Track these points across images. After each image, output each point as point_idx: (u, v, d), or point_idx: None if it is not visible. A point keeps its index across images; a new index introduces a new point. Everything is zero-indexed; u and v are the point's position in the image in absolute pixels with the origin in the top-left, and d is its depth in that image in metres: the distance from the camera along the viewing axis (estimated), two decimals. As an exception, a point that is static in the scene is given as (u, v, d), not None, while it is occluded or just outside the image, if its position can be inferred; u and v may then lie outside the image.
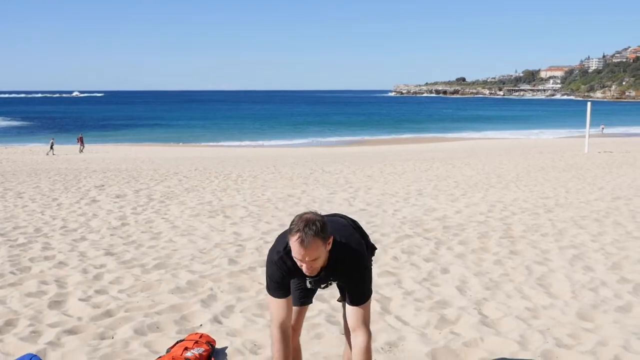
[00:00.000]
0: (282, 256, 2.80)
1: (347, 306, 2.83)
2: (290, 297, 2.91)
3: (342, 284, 2.87)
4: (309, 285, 2.95)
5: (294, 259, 2.67)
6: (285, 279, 2.84)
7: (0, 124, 68.63)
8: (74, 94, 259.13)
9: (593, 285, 5.28)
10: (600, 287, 5.25)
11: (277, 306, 2.86)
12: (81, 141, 35.89)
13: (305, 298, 3.11)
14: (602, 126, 53.39)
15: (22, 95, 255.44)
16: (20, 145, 40.71)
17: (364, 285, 2.81)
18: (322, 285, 2.94)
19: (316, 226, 2.58)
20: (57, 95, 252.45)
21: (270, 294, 2.88)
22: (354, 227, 3.02)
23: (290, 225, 2.64)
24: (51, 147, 33.03)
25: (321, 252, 2.63)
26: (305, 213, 2.68)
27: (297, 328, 3.08)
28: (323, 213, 2.87)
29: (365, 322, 2.79)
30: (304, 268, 2.66)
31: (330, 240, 2.69)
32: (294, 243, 2.60)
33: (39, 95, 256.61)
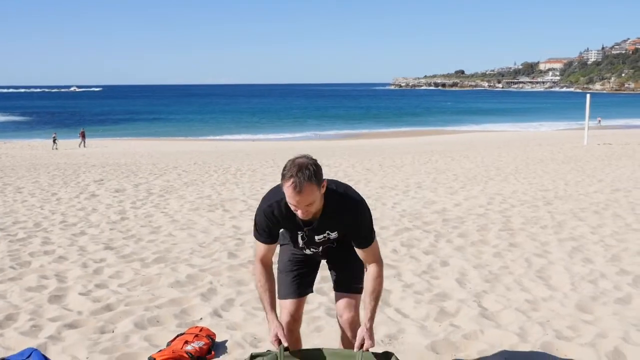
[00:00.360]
0: (271, 204, 2.79)
1: (358, 250, 2.86)
2: (273, 245, 2.92)
3: (343, 231, 2.84)
4: (300, 242, 2.91)
5: (289, 204, 2.64)
6: (272, 229, 2.84)
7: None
8: (72, 88, 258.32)
9: (592, 277, 5.28)
10: (600, 279, 5.25)
11: (261, 247, 2.90)
12: (83, 136, 35.96)
13: (303, 288, 3.07)
14: (599, 118, 53.23)
15: (22, 90, 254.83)
16: (19, 140, 40.64)
17: (367, 227, 2.83)
18: (318, 239, 2.88)
19: (309, 170, 2.54)
20: (56, 90, 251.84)
21: (256, 238, 2.90)
22: None
23: (283, 170, 2.59)
24: (54, 141, 33.25)
25: (316, 197, 2.60)
26: (297, 157, 2.62)
27: (297, 318, 3.06)
28: None
29: (377, 257, 2.88)
30: (299, 213, 2.64)
31: (325, 183, 2.67)
32: (287, 189, 2.55)
33: (38, 90, 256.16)
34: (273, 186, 2.93)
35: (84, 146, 34.60)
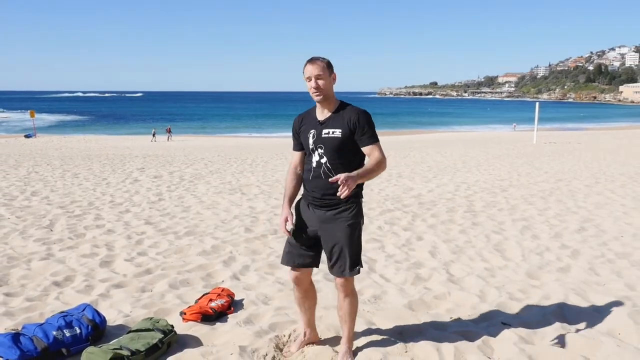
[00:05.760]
0: (301, 113, 2.91)
1: (365, 149, 2.67)
2: (301, 152, 2.89)
3: (347, 130, 2.66)
4: (310, 142, 2.73)
5: (306, 81, 2.66)
6: (298, 132, 2.85)
7: (58, 119, 68.13)
8: (106, 94, 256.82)
9: (539, 251, 5.29)
10: (545, 252, 5.25)
11: (294, 156, 2.95)
12: (169, 131, 36.15)
13: (294, 259, 2.88)
14: (514, 124, 50.12)
15: (78, 94, 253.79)
16: (75, 135, 40.38)
17: (371, 129, 2.67)
18: (325, 133, 2.68)
19: (323, 57, 2.67)
20: (107, 94, 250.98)
21: (292, 150, 2.96)
22: None
23: None
24: (153, 135, 33.89)
25: (325, 74, 2.64)
26: None
27: (307, 274, 2.95)
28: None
29: (381, 153, 2.66)
30: (312, 87, 2.64)
31: (335, 76, 2.70)
32: (305, 68, 2.64)
33: (93, 94, 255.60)
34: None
35: (171, 140, 34.16)
